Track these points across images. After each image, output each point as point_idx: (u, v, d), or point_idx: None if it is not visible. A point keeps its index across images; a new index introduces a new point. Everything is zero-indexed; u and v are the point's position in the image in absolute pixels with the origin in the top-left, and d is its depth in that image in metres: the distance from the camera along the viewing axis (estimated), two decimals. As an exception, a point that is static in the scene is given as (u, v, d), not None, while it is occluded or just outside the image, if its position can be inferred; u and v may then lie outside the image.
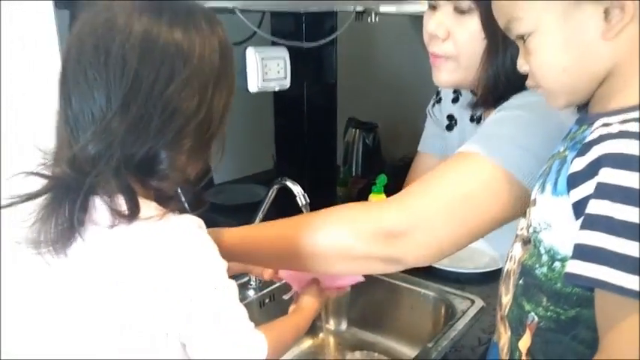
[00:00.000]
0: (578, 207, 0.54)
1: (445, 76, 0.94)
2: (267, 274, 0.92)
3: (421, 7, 0.99)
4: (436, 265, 1.20)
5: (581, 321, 0.58)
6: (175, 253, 0.56)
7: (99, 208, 0.57)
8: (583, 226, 0.52)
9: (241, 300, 0.61)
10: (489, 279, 1.17)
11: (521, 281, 0.65)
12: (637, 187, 0.49)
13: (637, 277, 0.48)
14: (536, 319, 0.62)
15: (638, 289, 0.47)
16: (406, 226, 0.76)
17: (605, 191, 0.51)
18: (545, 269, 0.61)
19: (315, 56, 1.48)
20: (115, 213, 0.56)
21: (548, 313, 0.61)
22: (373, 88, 2.07)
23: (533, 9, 0.60)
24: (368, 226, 0.78)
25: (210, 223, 0.63)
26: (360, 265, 0.83)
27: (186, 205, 0.62)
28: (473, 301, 1.12)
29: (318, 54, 1.48)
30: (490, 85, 0.90)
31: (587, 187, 0.53)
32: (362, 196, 1.48)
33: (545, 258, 0.61)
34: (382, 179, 1.34)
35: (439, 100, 1.22)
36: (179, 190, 0.63)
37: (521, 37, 0.63)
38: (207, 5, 1.11)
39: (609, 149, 0.52)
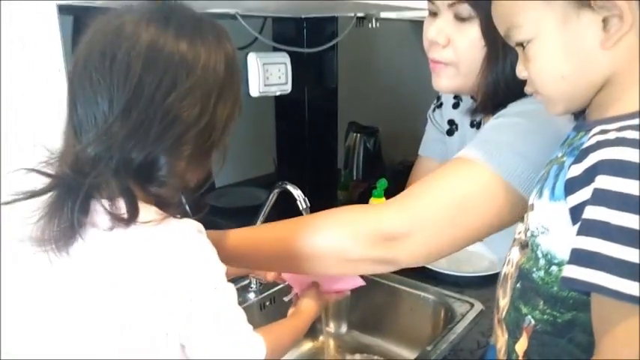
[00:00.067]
0: (575, 212, 0.54)
1: (445, 81, 0.94)
2: (270, 275, 0.93)
3: (422, 13, 0.99)
4: (435, 269, 1.21)
5: (577, 324, 0.59)
6: (175, 255, 0.57)
7: (99, 211, 0.57)
8: (580, 232, 0.52)
9: (242, 303, 0.61)
10: (488, 282, 1.17)
11: (518, 285, 0.65)
12: (633, 193, 0.49)
13: (633, 282, 0.48)
14: (533, 322, 0.63)
15: (633, 293, 0.48)
16: (405, 228, 0.77)
17: (601, 197, 0.51)
18: (542, 273, 0.61)
19: (316, 61, 1.49)
20: (114, 216, 0.56)
21: (545, 317, 0.61)
22: (374, 93, 2.08)
23: (533, 17, 0.60)
24: (367, 228, 0.79)
25: (211, 226, 0.64)
26: (353, 267, 0.83)
27: (187, 208, 0.63)
28: (472, 305, 1.13)
29: (319, 59, 1.48)
30: (490, 91, 0.90)
31: (584, 193, 0.53)
32: (362, 199, 1.48)
33: (542, 262, 0.61)
34: (383, 183, 1.34)
35: (440, 105, 1.22)
36: (181, 195, 0.63)
37: (521, 45, 0.63)
38: (210, 11, 1.12)
39: (606, 156, 0.52)
